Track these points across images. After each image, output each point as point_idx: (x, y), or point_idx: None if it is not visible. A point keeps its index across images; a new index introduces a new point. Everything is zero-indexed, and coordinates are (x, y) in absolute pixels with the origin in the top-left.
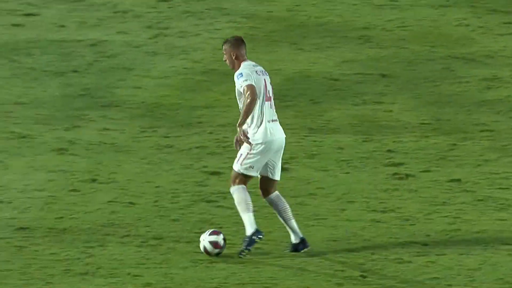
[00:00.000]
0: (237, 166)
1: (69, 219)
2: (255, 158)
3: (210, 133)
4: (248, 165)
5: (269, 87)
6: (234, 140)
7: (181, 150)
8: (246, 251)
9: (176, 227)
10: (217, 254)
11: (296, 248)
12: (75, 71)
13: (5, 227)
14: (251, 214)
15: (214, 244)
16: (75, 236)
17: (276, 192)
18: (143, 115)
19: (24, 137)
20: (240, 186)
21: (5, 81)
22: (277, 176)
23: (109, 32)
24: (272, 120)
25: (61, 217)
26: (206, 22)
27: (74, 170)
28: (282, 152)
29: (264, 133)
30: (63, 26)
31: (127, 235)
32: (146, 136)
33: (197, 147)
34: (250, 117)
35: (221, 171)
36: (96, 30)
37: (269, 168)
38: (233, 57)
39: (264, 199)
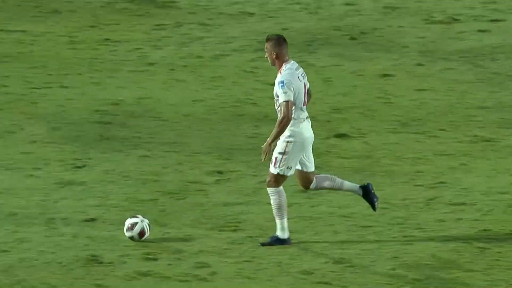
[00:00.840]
0: (275, 170)
1: None
2: (291, 157)
3: None
4: (285, 167)
5: (308, 90)
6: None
7: None
8: (265, 245)
9: None
10: (131, 237)
11: (367, 193)
12: None
13: (468, 228)
14: (285, 220)
15: (131, 225)
16: None
17: (314, 179)
18: None
19: (487, 140)
20: (279, 188)
21: (470, 85)
22: (313, 168)
23: None
24: (306, 118)
25: None
26: None
27: None
28: (311, 146)
29: (300, 132)
30: None
31: None
32: None
33: None
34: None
35: None
36: None
37: (304, 163)
38: (274, 56)
39: (309, 190)
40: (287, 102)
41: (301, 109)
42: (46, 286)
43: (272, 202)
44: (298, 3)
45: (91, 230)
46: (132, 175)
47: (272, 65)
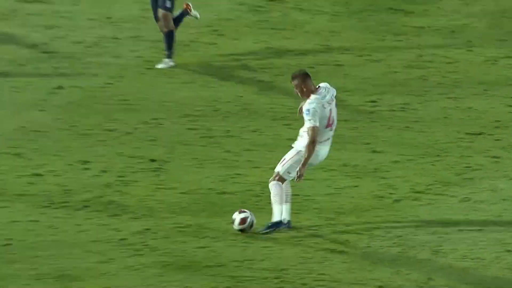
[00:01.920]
0: (279, 168)
1: None
2: (295, 166)
3: None
4: (287, 171)
5: (334, 114)
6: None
7: None
8: (264, 232)
9: None
10: (240, 230)
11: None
12: None
13: None
14: (281, 206)
15: (242, 220)
16: None
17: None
18: None
19: None
20: (278, 182)
21: None
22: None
23: None
24: (324, 140)
25: None
26: None
27: None
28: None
29: (315, 153)
30: None
31: None
32: None
33: None
34: (302, 136)
35: None
36: None
37: None
38: (304, 90)
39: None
40: (313, 127)
41: (325, 132)
42: None
43: (272, 192)
44: None
45: None
46: None
47: (302, 97)
